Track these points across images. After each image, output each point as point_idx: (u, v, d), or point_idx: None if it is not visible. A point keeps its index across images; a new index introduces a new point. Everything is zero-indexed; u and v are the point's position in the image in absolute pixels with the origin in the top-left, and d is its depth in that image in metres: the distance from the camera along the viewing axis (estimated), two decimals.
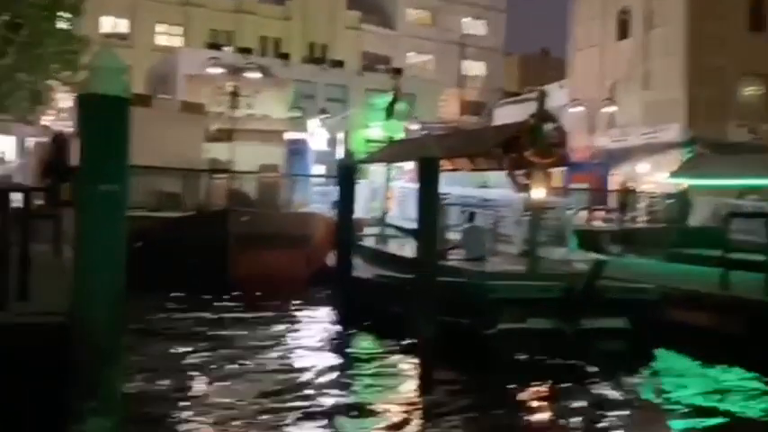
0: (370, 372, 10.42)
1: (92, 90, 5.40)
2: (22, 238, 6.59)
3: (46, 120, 27.84)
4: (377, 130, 25.53)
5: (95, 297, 5.39)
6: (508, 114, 34.96)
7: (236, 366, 10.40)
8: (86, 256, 5.44)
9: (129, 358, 6.40)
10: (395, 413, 8.58)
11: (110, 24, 39.76)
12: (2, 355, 5.28)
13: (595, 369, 10.25)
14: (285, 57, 38.61)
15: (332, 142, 29.21)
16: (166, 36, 41.54)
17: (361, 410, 8.64)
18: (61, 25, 25.18)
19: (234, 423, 7.93)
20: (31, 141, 23.63)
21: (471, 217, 13.15)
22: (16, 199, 6.78)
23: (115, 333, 5.47)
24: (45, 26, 24.23)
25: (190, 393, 8.95)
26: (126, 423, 5.59)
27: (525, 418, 8.72)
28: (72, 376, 5.25)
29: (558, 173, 18.13)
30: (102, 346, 5.34)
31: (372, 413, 8.57)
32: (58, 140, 15.74)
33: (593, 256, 12.72)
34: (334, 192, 18.02)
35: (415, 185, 11.76)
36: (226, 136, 24.08)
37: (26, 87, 24.44)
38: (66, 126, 24.61)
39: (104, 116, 5.43)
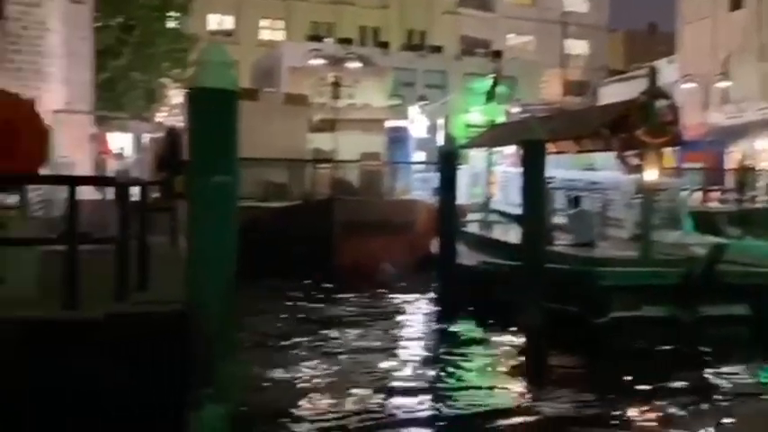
0: (474, 359, 10.33)
1: (201, 84, 5.54)
2: (140, 231, 6.87)
3: (159, 116, 29.09)
4: (477, 115, 25.21)
5: (208, 286, 5.54)
6: (614, 93, 33.71)
7: (344, 351, 10.55)
8: (199, 246, 5.60)
9: (241, 345, 6.59)
10: (500, 401, 8.46)
11: (216, 22, 41.09)
12: (122, 345, 5.52)
13: (714, 358, 9.77)
14: (384, 45, 38.72)
15: (432, 129, 29.07)
16: (269, 31, 42.60)
17: (465, 397, 8.56)
18: (171, 25, 26.21)
19: (342, 404, 8.05)
20: (146, 137, 24.73)
21: (578, 201, 12.77)
22: (134, 193, 7.07)
23: (228, 321, 5.62)
24: (156, 26, 25.32)
25: (300, 377, 9.14)
26: (240, 409, 5.75)
27: (638, 408, 8.41)
28: (189, 364, 5.43)
29: (670, 152, 17.34)
30: (215, 334, 5.49)
31: (477, 401, 8.47)
32: (171, 135, 16.36)
33: (711, 239, 12.11)
34: (435, 178, 17.95)
35: (519, 169, 11.53)
36: (328, 126, 24.40)
37: (140, 86, 25.64)
38: (178, 121, 25.62)
39: (214, 109, 5.56)
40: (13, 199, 8.47)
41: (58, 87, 19.48)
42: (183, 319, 5.52)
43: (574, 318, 10.16)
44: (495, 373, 9.73)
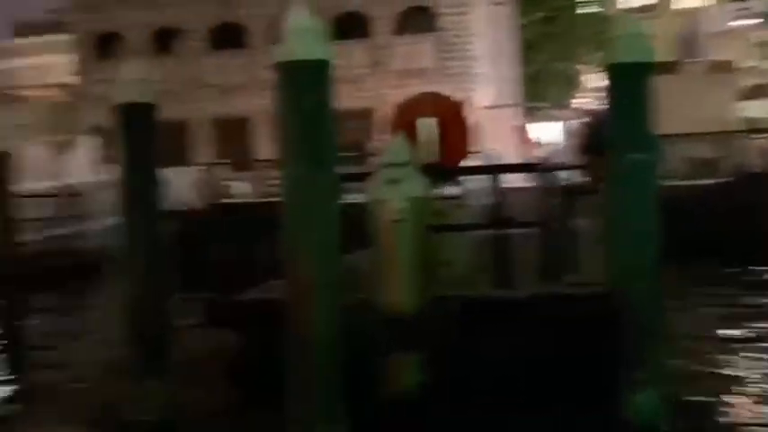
0: None
1: (617, 60, 5.47)
2: (566, 214, 7.10)
3: (577, 102, 29.57)
4: None
5: (630, 268, 5.45)
6: None
7: None
8: (619, 227, 5.56)
9: (673, 331, 6.32)
10: None
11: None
12: (546, 325, 5.76)
13: None
14: None
15: None
16: None
17: None
18: (589, 10, 26.55)
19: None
20: (570, 124, 25.33)
21: None
22: (564, 178, 7.36)
23: (655, 304, 5.46)
24: (572, 14, 25.91)
25: (724, 368, 8.38)
26: (672, 397, 5.53)
27: None
28: (617, 347, 5.41)
29: None
30: (642, 316, 5.38)
31: None
32: (592, 118, 16.47)
33: None
34: None
35: None
36: (761, 92, 22.06)
37: (560, 74, 26.54)
38: (598, 105, 25.71)
39: (626, 84, 5.46)
40: (450, 190, 9.46)
41: (486, 86, 21.08)
42: (608, 302, 5.53)
43: None
44: None
